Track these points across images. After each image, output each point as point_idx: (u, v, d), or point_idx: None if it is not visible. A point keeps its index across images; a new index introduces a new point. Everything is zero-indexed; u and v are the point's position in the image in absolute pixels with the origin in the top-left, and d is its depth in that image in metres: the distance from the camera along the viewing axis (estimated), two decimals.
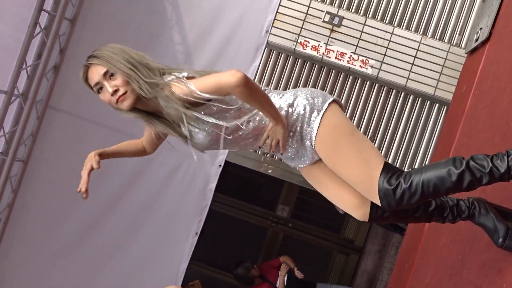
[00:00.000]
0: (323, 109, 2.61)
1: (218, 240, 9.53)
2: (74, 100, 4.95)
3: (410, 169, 2.62)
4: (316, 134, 2.60)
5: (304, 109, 2.63)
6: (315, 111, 2.62)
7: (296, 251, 9.87)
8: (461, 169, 2.45)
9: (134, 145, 3.00)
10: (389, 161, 7.08)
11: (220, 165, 5.36)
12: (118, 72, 2.48)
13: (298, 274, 6.92)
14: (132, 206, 5.30)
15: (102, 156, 2.83)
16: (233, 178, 8.58)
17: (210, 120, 2.53)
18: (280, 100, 2.69)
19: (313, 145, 2.64)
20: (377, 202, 2.53)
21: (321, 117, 2.60)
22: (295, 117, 2.64)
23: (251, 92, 2.46)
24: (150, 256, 5.44)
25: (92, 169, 2.74)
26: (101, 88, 2.53)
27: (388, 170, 2.52)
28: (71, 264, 5.24)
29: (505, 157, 2.45)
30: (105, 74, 2.49)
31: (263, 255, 9.89)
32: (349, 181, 2.60)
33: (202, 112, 2.51)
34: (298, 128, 2.64)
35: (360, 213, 2.76)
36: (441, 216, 2.76)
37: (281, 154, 2.72)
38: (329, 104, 2.64)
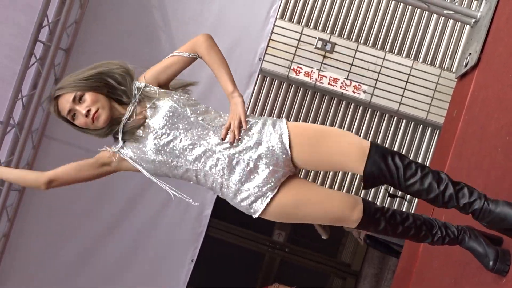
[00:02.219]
0: (285, 120, 2.68)
1: (214, 266, 9.51)
2: (69, 129, 4.96)
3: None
4: (288, 129, 2.61)
5: (266, 121, 2.66)
6: (278, 122, 2.66)
7: (293, 276, 9.86)
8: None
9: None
10: (383, 188, 7.14)
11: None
12: (85, 90, 2.57)
13: None
14: (128, 233, 5.31)
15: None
16: (229, 204, 8.60)
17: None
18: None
19: (285, 125, 2.62)
20: (364, 156, 2.55)
21: (286, 123, 2.65)
22: (259, 128, 2.64)
23: (214, 44, 2.69)
24: (147, 283, 5.44)
25: None
26: (74, 114, 2.60)
27: None
28: None
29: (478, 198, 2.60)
30: (74, 99, 2.57)
31: (260, 280, 9.87)
32: (337, 147, 2.59)
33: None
34: (261, 124, 2.64)
35: (356, 213, 2.66)
36: (430, 233, 2.74)
37: (244, 130, 2.58)
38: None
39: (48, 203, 5.09)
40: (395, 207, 6.97)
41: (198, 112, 2.63)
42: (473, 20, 5.80)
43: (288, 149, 2.59)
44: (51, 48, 4.58)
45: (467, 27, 6.72)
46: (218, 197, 5.39)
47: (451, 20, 6.96)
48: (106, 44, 4.94)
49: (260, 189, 2.61)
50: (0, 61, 4.43)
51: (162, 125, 2.58)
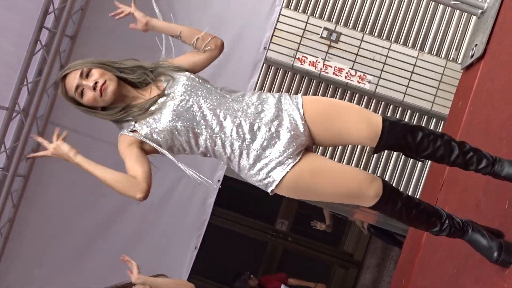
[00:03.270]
0: (301, 96, 2.72)
1: (217, 254, 9.55)
2: (74, 115, 4.94)
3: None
4: (303, 105, 2.65)
5: (281, 96, 2.71)
6: (294, 97, 2.71)
7: (296, 265, 9.90)
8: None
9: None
10: (386, 178, 7.14)
11: (219, 180, 5.39)
12: (92, 66, 2.59)
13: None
14: (132, 220, 5.32)
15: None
16: (233, 193, 8.62)
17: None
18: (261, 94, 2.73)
19: (300, 97, 2.68)
20: (377, 118, 2.63)
21: (302, 98, 2.69)
22: (275, 100, 2.67)
23: (215, 39, 2.83)
24: (150, 270, 5.44)
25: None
26: (82, 91, 2.59)
27: None
28: (71, 279, 5.25)
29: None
30: (81, 75, 2.57)
31: (263, 268, 9.91)
32: (346, 111, 2.65)
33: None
34: (277, 95, 2.69)
35: (374, 187, 2.61)
36: (440, 221, 2.72)
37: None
38: None
39: (52, 188, 5.11)
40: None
41: (215, 86, 2.70)
42: (480, 11, 5.78)
43: (306, 121, 2.62)
44: (57, 34, 4.57)
45: (474, 18, 6.70)
46: (221, 186, 5.41)
47: (458, 11, 6.93)
48: (111, 31, 4.93)
49: (282, 153, 2.58)
50: (6, 48, 4.43)
51: (182, 92, 2.60)
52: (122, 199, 5.35)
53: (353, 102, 7.15)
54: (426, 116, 7.08)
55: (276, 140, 2.57)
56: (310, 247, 9.90)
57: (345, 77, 6.92)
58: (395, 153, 7.02)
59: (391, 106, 7.11)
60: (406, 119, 7.11)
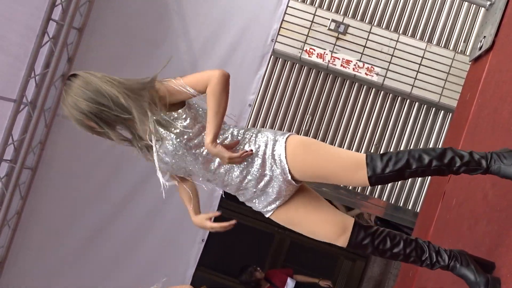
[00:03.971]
0: (287, 135, 2.71)
1: (224, 246, 9.56)
2: None
3: None
4: (285, 146, 2.65)
5: (267, 138, 2.69)
6: (279, 136, 2.69)
7: (303, 257, 9.90)
8: (444, 147, 2.64)
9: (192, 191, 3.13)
10: None
11: None
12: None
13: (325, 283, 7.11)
14: (139, 212, 5.33)
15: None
16: None
17: (178, 124, 2.60)
18: (244, 132, 2.73)
19: (284, 157, 2.65)
20: (363, 174, 2.61)
21: (286, 138, 2.68)
22: (258, 145, 2.68)
23: (224, 89, 2.53)
24: (157, 262, 5.48)
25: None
26: None
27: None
28: (78, 271, 5.27)
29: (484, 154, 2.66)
30: None
31: (270, 261, 9.92)
32: (332, 169, 2.65)
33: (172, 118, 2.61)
34: (261, 153, 2.67)
35: (341, 241, 2.84)
36: (419, 259, 2.81)
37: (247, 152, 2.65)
38: (291, 135, 2.72)
39: (60, 181, 5.13)
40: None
41: (198, 147, 2.67)
42: (489, 3, 5.75)
43: (291, 180, 2.70)
44: (64, 27, 4.58)
45: (482, 10, 6.66)
46: None
47: (466, 2, 6.89)
48: (118, 24, 4.93)
49: (264, 208, 2.86)
50: (13, 40, 4.44)
51: (171, 160, 2.74)
52: (129, 191, 5.39)
53: (360, 95, 7.14)
54: (434, 109, 7.06)
55: (261, 197, 2.81)
56: (318, 240, 9.90)
57: (353, 69, 6.90)
58: (403, 143, 7.01)
59: (399, 98, 7.09)
60: (414, 111, 7.09)
